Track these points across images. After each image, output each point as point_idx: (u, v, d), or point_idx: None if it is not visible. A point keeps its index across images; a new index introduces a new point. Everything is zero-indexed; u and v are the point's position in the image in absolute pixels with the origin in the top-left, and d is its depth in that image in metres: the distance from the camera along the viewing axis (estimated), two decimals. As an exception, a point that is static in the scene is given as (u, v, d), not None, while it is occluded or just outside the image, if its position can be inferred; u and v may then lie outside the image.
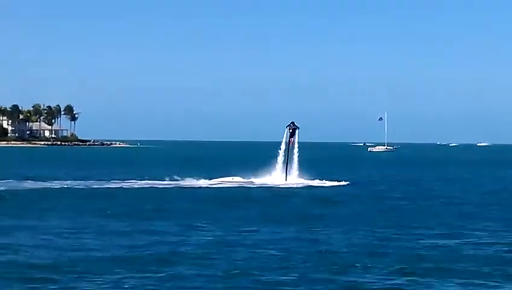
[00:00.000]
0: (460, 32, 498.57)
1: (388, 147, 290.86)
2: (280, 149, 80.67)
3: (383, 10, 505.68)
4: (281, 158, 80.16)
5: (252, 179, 77.50)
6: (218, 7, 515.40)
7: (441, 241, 36.08)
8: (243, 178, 78.29)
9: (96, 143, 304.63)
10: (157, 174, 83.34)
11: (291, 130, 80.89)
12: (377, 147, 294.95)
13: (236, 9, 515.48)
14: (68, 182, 74.17)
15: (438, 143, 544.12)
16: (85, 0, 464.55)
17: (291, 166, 79.69)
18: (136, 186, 71.14)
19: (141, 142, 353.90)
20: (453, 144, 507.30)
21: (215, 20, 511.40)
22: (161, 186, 71.14)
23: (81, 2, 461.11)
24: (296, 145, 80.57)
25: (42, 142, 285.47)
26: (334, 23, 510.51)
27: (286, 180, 78.06)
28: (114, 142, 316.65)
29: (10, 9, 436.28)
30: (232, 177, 78.72)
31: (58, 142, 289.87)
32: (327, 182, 77.09)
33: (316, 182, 76.68)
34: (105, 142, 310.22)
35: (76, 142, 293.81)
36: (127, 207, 51.32)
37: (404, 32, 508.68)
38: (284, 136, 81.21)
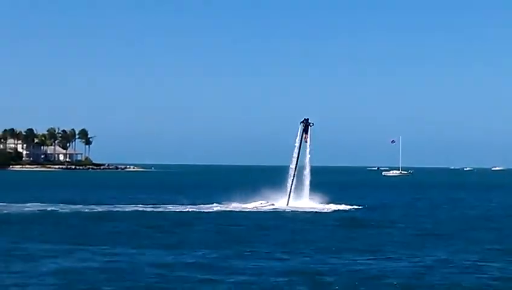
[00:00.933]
0: (473, 56, 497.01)
1: (403, 172, 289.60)
2: (295, 149, 79.61)
3: (397, 30, 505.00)
4: (293, 166, 78.89)
5: (274, 202, 77.24)
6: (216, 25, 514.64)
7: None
8: (267, 201, 77.74)
9: (110, 167, 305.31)
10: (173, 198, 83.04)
11: (304, 126, 79.69)
12: (391, 172, 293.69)
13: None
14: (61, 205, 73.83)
15: (452, 167, 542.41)
16: (92, 23, 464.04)
17: (301, 185, 78.78)
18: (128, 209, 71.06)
19: (156, 166, 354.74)
20: (468, 168, 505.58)
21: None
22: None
23: (90, 26, 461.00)
24: (308, 144, 79.63)
25: (57, 166, 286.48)
26: (339, 46, 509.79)
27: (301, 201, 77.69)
28: (128, 166, 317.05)
29: (26, 28, 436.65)
30: (260, 202, 77.65)
31: (73, 166, 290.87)
32: (341, 205, 77.27)
33: (330, 206, 76.47)
34: (119, 166, 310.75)
35: (90, 166, 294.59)
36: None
37: (419, 56, 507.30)
38: (298, 133, 79.97)
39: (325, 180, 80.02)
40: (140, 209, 71.61)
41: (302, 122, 79.79)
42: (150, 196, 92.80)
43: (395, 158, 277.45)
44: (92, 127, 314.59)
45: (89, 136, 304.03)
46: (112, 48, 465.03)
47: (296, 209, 73.35)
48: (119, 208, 72.46)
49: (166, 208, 73.42)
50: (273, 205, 76.67)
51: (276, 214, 68.64)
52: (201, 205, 76.10)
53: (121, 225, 56.26)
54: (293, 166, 78.92)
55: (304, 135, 79.56)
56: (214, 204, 77.41)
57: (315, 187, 79.35)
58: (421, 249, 42.91)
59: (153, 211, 69.58)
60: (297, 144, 79.57)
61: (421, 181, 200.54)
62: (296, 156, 79.37)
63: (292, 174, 78.43)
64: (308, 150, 79.78)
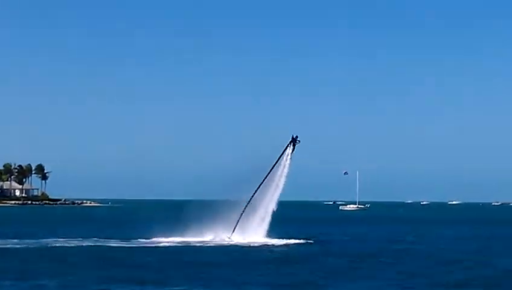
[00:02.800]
0: (432, 90, 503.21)
1: (360, 206, 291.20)
2: (280, 167, 77.77)
3: (350, 67, 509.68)
4: (274, 188, 77.24)
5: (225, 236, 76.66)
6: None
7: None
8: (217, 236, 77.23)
9: (67, 202, 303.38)
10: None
11: (292, 144, 78.88)
12: (348, 206, 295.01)
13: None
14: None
15: (409, 201, 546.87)
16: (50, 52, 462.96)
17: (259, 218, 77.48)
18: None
19: (113, 201, 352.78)
20: (425, 202, 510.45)
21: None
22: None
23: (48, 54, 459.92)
24: (288, 163, 78.21)
25: (13, 202, 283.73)
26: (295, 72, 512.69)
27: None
28: (85, 201, 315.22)
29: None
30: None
31: (29, 202, 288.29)
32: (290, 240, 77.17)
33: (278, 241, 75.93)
34: (76, 201, 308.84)
35: (47, 202, 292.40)
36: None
37: (374, 88, 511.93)
38: (287, 151, 78.60)
39: (284, 215, 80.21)
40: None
41: (292, 138, 78.89)
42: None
43: (352, 192, 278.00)
44: (49, 162, 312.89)
45: (45, 171, 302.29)
46: (68, 81, 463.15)
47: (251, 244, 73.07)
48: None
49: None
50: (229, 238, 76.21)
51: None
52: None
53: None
54: (277, 193, 77.41)
55: (290, 152, 78.52)
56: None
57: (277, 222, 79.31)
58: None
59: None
60: (283, 161, 78.01)
61: (375, 215, 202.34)
62: (280, 174, 77.65)
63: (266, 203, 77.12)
64: (286, 171, 78.21)
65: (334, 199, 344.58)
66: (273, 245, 72.61)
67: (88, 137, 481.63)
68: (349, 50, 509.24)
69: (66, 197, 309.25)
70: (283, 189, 78.05)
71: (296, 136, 79.43)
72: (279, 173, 77.90)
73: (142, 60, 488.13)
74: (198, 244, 72.82)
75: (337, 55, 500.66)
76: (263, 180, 77.61)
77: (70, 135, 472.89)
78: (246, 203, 77.32)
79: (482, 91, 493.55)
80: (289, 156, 78.63)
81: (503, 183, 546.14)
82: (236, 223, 77.30)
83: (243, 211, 77.18)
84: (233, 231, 77.37)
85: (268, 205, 77.25)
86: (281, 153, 78.67)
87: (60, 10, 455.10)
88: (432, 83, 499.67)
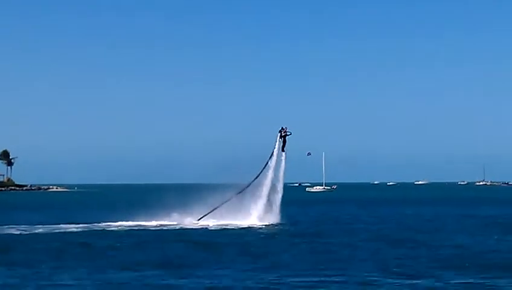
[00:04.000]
0: (398, 71, 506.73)
1: (326, 187, 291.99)
2: (271, 160, 76.04)
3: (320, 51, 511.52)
4: (268, 180, 75.47)
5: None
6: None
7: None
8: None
9: (33, 188, 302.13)
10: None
11: (282, 136, 77.26)
12: (315, 187, 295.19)
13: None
14: None
15: (376, 182, 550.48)
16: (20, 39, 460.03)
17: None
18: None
19: (79, 186, 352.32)
20: (391, 183, 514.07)
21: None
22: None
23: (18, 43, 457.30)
24: (284, 155, 76.68)
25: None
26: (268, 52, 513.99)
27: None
28: (51, 187, 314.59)
29: None
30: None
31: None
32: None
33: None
34: (42, 187, 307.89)
35: (12, 187, 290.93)
36: None
37: (344, 70, 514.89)
38: (276, 142, 77.11)
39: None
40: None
41: (280, 131, 77.46)
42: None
43: (318, 173, 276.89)
44: (14, 148, 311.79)
45: (10, 157, 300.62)
46: (33, 66, 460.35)
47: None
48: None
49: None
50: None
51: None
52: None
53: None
54: (268, 181, 75.68)
55: (282, 145, 77.05)
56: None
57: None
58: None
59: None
60: (274, 155, 76.66)
61: (342, 196, 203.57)
62: (272, 167, 76.09)
63: (267, 188, 75.24)
64: (283, 162, 76.91)
65: (299, 181, 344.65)
66: (233, 228, 71.39)
67: (54, 122, 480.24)
68: (316, 32, 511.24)
69: (32, 183, 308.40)
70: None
71: (285, 128, 77.75)
72: (270, 167, 76.34)
73: (101, 36, 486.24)
74: (152, 228, 71.79)
75: (304, 38, 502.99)
76: (258, 174, 76.11)
77: (37, 119, 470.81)
78: (233, 192, 75.81)
79: (446, 73, 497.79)
80: (280, 150, 76.96)
81: (469, 163, 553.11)
82: (213, 209, 75.88)
83: (227, 200, 75.70)
84: (205, 215, 76.01)
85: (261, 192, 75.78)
86: (273, 146, 77.27)
87: None
88: (397, 65, 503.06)
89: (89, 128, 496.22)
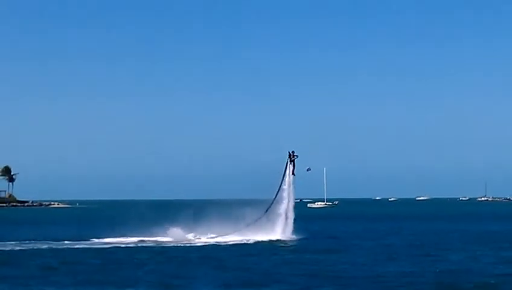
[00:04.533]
0: (395, 87, 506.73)
1: (328, 203, 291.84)
2: (283, 183, 79.93)
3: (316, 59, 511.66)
4: (285, 201, 79.68)
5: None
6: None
7: None
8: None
9: (34, 204, 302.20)
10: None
11: (291, 159, 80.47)
12: (316, 203, 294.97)
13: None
14: None
15: (378, 198, 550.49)
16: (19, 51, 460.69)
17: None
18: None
19: (81, 202, 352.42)
20: (392, 199, 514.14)
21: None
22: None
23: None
24: (293, 178, 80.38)
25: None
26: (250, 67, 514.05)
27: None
28: (52, 203, 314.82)
29: None
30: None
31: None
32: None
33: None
34: (43, 203, 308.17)
35: (14, 203, 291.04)
36: None
37: (342, 83, 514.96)
38: (287, 166, 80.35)
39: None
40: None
41: (289, 155, 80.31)
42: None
43: (320, 189, 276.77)
44: (16, 164, 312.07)
45: (12, 173, 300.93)
46: (32, 81, 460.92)
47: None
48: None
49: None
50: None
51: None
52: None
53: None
54: (284, 200, 79.74)
55: (291, 168, 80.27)
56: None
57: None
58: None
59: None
60: (286, 178, 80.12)
61: (343, 212, 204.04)
62: (286, 190, 79.95)
63: (285, 206, 79.57)
64: (292, 185, 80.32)
65: (300, 197, 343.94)
66: (231, 244, 72.83)
67: (56, 138, 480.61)
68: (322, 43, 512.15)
69: (33, 199, 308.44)
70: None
71: (292, 152, 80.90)
72: (284, 189, 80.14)
73: (103, 54, 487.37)
74: (142, 244, 72.43)
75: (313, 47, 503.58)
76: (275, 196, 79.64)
77: (38, 135, 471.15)
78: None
79: (447, 87, 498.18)
80: (291, 174, 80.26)
81: (471, 179, 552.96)
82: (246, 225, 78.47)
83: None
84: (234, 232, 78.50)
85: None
86: (284, 170, 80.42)
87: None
88: (397, 77, 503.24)
89: (93, 144, 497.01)
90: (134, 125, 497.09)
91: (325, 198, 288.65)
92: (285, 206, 79.77)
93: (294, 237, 78.02)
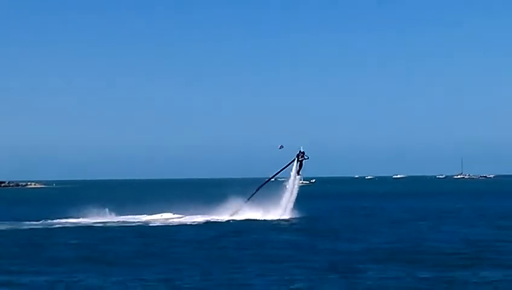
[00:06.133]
0: (372, 68, 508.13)
1: (304, 181, 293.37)
2: (289, 181, 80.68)
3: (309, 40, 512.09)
4: (288, 198, 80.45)
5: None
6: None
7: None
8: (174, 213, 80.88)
9: (11, 184, 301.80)
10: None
11: (299, 159, 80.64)
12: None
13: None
14: None
15: (356, 176, 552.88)
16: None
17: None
18: None
19: (57, 182, 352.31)
20: (369, 177, 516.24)
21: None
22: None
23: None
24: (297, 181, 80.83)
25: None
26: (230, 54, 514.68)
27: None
28: (29, 183, 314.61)
29: None
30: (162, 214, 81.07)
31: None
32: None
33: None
34: (20, 183, 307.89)
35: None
36: None
37: (318, 62, 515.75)
38: (294, 165, 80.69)
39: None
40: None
41: (298, 155, 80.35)
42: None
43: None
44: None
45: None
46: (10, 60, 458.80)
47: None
48: None
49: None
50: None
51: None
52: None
53: None
54: (286, 199, 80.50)
55: (298, 168, 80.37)
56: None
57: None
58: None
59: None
60: (292, 177, 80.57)
61: (315, 190, 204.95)
62: (290, 189, 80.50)
63: (285, 206, 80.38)
64: (297, 184, 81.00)
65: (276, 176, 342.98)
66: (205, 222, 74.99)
67: (35, 118, 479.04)
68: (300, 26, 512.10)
69: (10, 179, 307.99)
70: None
71: (303, 152, 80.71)
72: (288, 189, 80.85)
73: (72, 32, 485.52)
74: (112, 225, 73.58)
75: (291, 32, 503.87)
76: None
77: (17, 116, 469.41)
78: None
79: (425, 68, 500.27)
80: (297, 174, 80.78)
81: (448, 157, 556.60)
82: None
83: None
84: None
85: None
86: (287, 164, 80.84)
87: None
88: (376, 58, 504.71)
89: (71, 125, 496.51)
90: (113, 105, 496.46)
91: (301, 178, 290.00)
92: (287, 199, 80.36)
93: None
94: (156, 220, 78.44)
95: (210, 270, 39.35)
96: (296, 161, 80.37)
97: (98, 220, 76.92)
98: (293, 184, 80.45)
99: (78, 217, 79.30)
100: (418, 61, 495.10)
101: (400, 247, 49.96)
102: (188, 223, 74.68)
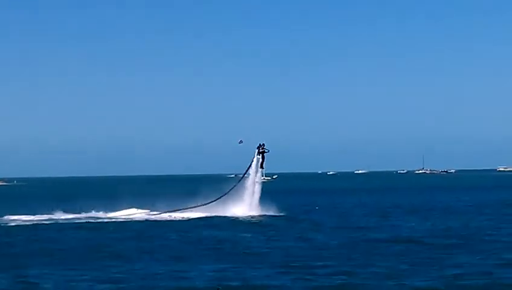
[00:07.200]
0: (336, 62, 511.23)
1: (266, 177, 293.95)
2: (250, 176, 78.40)
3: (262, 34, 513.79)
4: (248, 193, 78.35)
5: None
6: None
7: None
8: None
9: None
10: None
11: (260, 152, 78.75)
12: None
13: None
14: None
15: (319, 172, 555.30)
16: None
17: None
18: None
19: (18, 179, 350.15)
20: (331, 173, 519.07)
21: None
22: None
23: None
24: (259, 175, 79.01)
25: None
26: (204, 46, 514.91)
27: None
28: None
29: None
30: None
31: None
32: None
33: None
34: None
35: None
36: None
37: (280, 59, 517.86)
38: (254, 158, 78.69)
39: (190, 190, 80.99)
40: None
41: (258, 147, 78.71)
42: None
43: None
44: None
45: None
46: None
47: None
48: None
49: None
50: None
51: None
52: None
53: None
54: (248, 194, 78.26)
55: (261, 161, 78.40)
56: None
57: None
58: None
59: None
60: (252, 170, 78.52)
61: (276, 187, 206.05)
62: (252, 182, 78.15)
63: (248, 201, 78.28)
64: (260, 178, 79.12)
65: (236, 172, 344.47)
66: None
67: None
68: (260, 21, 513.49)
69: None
70: None
71: (263, 144, 79.01)
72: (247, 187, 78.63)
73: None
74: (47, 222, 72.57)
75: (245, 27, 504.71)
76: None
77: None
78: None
79: (385, 63, 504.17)
80: (258, 167, 78.75)
81: (409, 153, 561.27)
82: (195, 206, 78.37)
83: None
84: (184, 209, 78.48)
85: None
86: (250, 162, 79.06)
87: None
88: (341, 53, 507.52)
89: (36, 120, 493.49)
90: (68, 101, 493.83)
91: (264, 172, 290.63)
92: (249, 201, 78.65)
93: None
94: (118, 216, 77.33)
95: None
96: (256, 154, 78.98)
97: (44, 218, 75.88)
98: (254, 179, 78.59)
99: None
100: (378, 56, 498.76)
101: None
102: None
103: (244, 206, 78.29)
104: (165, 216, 76.59)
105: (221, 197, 78.51)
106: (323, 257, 42.65)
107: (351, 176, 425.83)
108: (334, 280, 34.33)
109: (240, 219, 73.58)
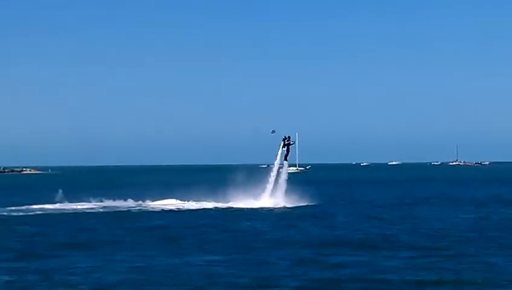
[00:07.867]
0: (372, 53, 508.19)
1: (300, 168, 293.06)
2: (274, 166, 79.09)
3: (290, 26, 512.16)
4: (271, 183, 78.75)
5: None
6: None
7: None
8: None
9: (6, 170, 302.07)
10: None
11: (286, 145, 79.55)
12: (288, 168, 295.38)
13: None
14: None
15: (353, 163, 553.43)
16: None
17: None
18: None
19: (53, 168, 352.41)
20: (364, 164, 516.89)
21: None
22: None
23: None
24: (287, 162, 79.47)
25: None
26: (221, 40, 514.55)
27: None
28: (24, 169, 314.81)
29: None
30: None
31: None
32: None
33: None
34: (15, 169, 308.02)
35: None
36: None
37: (319, 51, 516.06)
38: (279, 150, 79.57)
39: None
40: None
41: (284, 139, 79.40)
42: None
43: (292, 154, 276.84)
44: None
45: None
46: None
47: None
48: None
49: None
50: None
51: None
52: None
53: None
54: (270, 184, 78.72)
55: (286, 153, 79.28)
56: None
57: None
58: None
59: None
60: (277, 161, 79.18)
61: (307, 177, 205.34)
62: (275, 173, 78.83)
63: (270, 190, 78.64)
64: (285, 170, 79.63)
65: (268, 162, 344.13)
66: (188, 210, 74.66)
67: (33, 105, 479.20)
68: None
69: (5, 166, 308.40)
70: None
71: (288, 137, 79.82)
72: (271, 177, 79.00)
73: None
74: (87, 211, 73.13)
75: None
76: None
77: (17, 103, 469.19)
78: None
79: (420, 56, 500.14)
80: (283, 159, 79.42)
81: (443, 144, 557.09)
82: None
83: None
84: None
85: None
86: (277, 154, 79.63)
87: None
88: (371, 42, 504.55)
89: (70, 111, 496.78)
90: (105, 92, 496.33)
91: (297, 163, 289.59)
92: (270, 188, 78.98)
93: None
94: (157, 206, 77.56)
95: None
96: (281, 147, 79.39)
97: (84, 207, 76.70)
98: (277, 170, 79.12)
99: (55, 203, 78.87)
100: (412, 49, 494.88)
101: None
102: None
103: (275, 197, 78.34)
104: (209, 205, 77.10)
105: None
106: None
107: (384, 167, 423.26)
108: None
109: (275, 210, 73.05)
